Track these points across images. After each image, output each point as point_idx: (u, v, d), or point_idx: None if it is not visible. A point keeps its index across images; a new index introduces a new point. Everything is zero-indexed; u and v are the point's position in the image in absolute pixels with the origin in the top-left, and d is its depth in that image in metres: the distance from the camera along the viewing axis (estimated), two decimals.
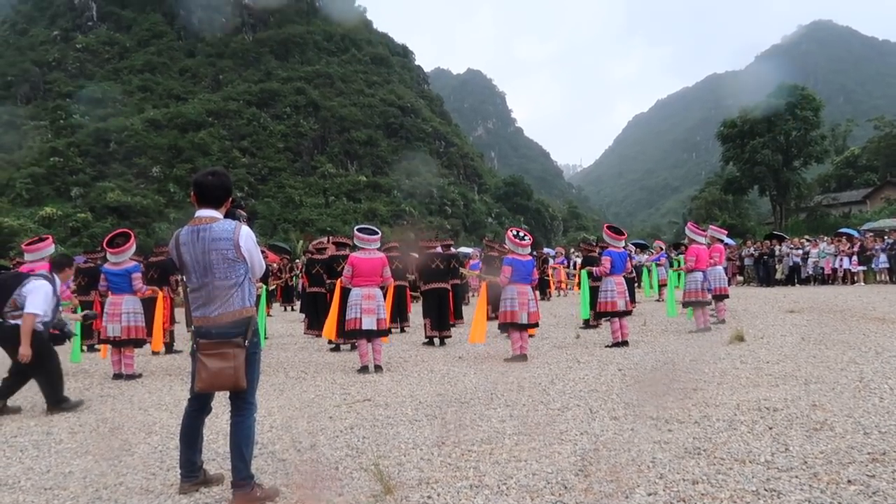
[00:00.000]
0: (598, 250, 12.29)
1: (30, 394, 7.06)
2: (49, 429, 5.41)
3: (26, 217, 50.19)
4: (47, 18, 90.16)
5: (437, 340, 10.34)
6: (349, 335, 8.17)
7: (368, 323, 7.73)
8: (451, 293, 11.07)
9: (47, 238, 8.90)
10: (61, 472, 4.22)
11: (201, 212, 3.57)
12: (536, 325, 8.60)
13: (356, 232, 8.21)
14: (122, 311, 7.98)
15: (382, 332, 7.98)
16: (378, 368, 7.85)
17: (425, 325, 10.56)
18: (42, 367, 6.02)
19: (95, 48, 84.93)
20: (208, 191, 3.57)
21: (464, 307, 14.14)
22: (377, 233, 8.24)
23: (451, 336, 10.55)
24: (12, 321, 5.94)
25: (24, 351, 5.68)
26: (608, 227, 9.77)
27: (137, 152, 66.64)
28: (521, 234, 8.65)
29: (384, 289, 8.25)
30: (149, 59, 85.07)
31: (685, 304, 10.54)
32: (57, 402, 6.13)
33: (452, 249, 12.83)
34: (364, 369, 7.75)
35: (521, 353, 8.21)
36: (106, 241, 8.37)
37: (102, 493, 3.76)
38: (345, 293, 8.26)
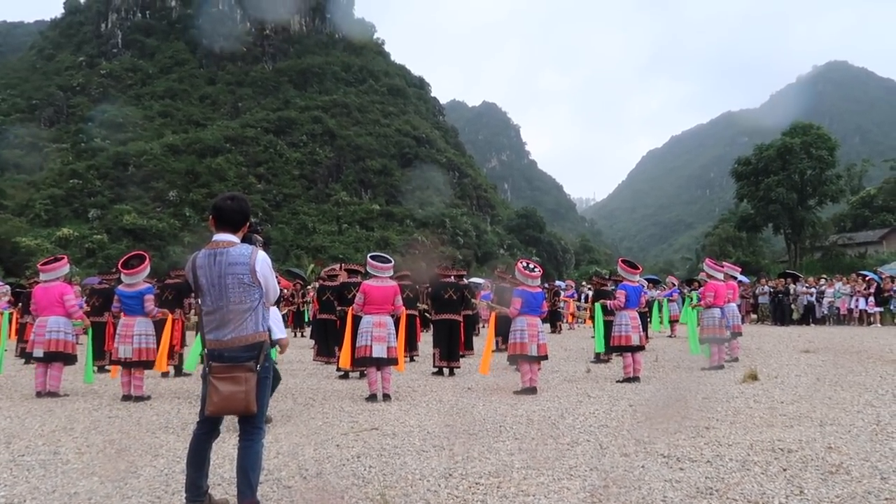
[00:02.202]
0: (610, 284, 12.23)
1: (39, 412, 7.09)
2: (56, 448, 5.40)
3: (44, 237, 50.87)
4: (74, 45, 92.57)
5: (446, 371, 10.28)
6: (359, 363, 8.12)
7: (379, 351, 7.71)
8: (461, 324, 11.03)
9: (63, 258, 9.01)
10: (67, 492, 4.20)
11: (219, 236, 3.60)
12: (545, 357, 8.52)
13: (369, 259, 8.23)
14: (135, 332, 8.02)
15: (392, 361, 7.95)
16: (386, 397, 7.80)
17: (434, 354, 10.50)
18: None
19: (119, 74, 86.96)
20: (227, 215, 3.61)
21: (474, 338, 14.07)
22: (390, 261, 8.26)
23: (460, 367, 10.48)
24: None
25: None
26: (623, 261, 9.73)
27: (155, 176, 67.70)
28: (532, 265, 8.64)
29: (396, 318, 8.23)
30: (170, 86, 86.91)
31: (702, 341, 10.44)
32: None
33: (465, 280, 12.82)
34: (373, 397, 7.70)
35: (531, 385, 8.14)
36: (121, 262, 8.44)
37: None
38: (356, 321, 8.25)
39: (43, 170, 66.53)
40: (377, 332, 7.75)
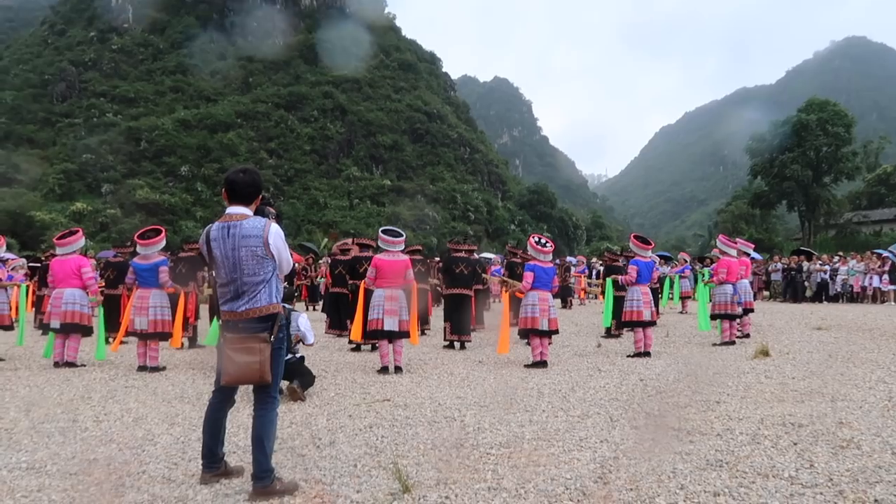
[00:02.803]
0: (622, 260, 12.19)
1: (57, 381, 7.21)
2: (75, 417, 5.50)
3: (58, 212, 51.26)
4: (85, 20, 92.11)
5: (456, 344, 10.34)
6: (371, 336, 8.18)
7: (391, 324, 7.77)
8: (472, 298, 11.05)
9: (78, 231, 9.09)
10: (86, 458, 4.29)
11: (232, 209, 3.62)
12: (556, 332, 8.55)
13: (381, 234, 8.26)
14: (150, 304, 8.13)
15: (404, 334, 8.00)
16: (398, 370, 7.87)
17: (445, 328, 10.56)
18: None
19: (130, 49, 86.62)
20: (239, 188, 3.62)
21: (485, 313, 14.11)
22: (402, 235, 8.28)
23: (471, 340, 10.54)
24: None
25: None
26: (635, 237, 9.69)
27: (167, 151, 67.81)
28: (544, 241, 8.64)
29: (408, 291, 8.27)
30: (181, 61, 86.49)
31: (713, 317, 10.42)
32: None
33: (476, 255, 12.82)
34: (384, 370, 7.78)
35: (542, 359, 8.19)
36: (137, 234, 8.53)
37: (126, 481, 3.82)
38: (368, 294, 8.30)
39: (56, 145, 66.77)
40: (389, 305, 7.80)
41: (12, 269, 10.97)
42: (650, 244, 9.63)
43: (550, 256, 8.64)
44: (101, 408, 5.89)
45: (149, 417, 5.50)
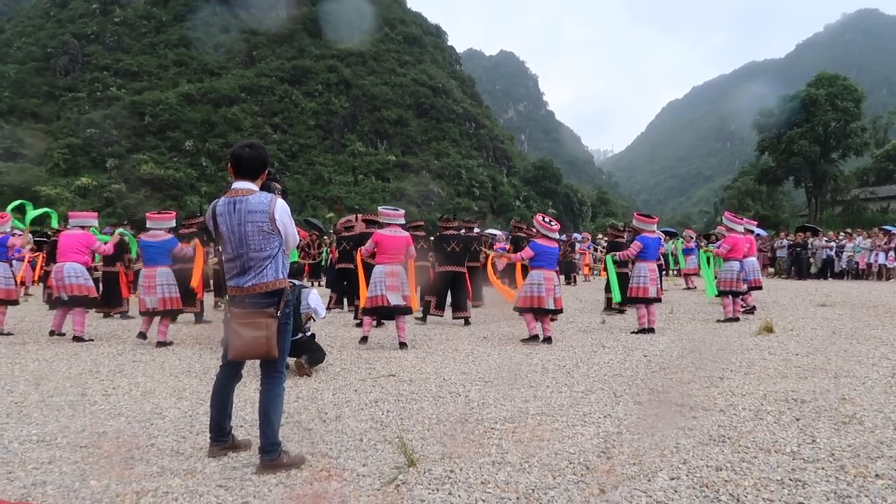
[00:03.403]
0: (625, 236, 12.14)
1: (65, 356, 7.28)
2: (84, 390, 5.56)
3: (63, 186, 51.34)
4: None
5: (455, 320, 10.41)
6: (373, 312, 8.11)
7: (395, 299, 7.80)
8: (466, 275, 11.02)
9: (94, 214, 9.48)
10: (96, 431, 4.35)
11: (238, 184, 3.62)
12: (560, 311, 8.53)
13: (381, 209, 8.37)
14: (157, 283, 8.20)
15: (407, 310, 8.03)
16: (403, 345, 7.91)
17: (429, 302, 10.59)
18: None
19: (133, 22, 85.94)
20: (245, 162, 3.61)
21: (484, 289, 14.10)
22: (400, 210, 8.38)
23: (470, 316, 10.56)
24: None
25: None
26: (639, 214, 9.67)
27: (171, 126, 67.64)
28: (549, 220, 8.63)
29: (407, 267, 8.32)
30: (184, 34, 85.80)
31: (719, 293, 10.41)
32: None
33: (476, 231, 12.80)
34: (364, 340, 8.01)
35: (546, 335, 8.20)
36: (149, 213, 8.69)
37: (135, 453, 3.87)
38: (368, 268, 8.32)
39: (60, 119, 66.63)
40: (391, 281, 7.81)
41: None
42: (654, 219, 9.59)
43: (557, 234, 8.62)
44: (109, 382, 5.95)
45: (157, 391, 5.56)
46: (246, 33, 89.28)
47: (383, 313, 8.04)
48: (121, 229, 11.50)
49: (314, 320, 6.70)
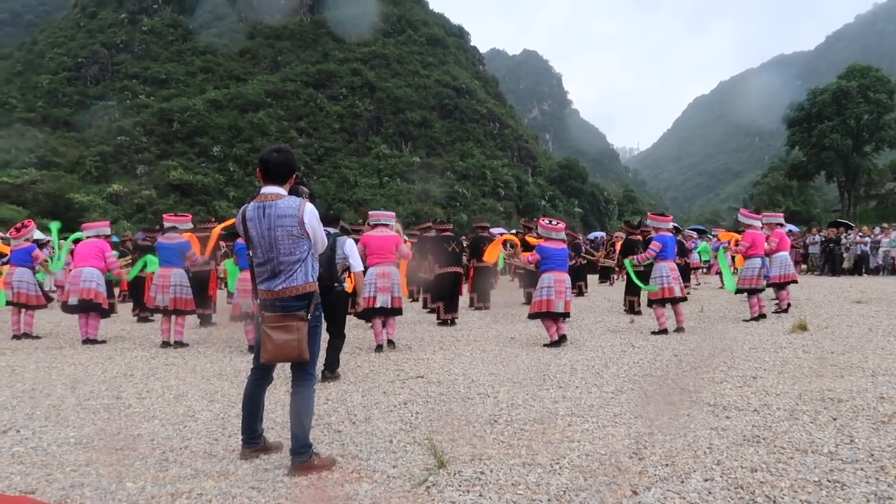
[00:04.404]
0: (639, 234, 11.91)
1: (100, 359, 7.42)
2: (118, 394, 5.67)
3: (95, 193, 52.38)
4: (115, 2, 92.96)
5: (476, 314, 10.42)
6: (363, 315, 7.99)
7: (383, 300, 7.75)
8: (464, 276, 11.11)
9: (105, 222, 9.83)
10: (131, 434, 4.43)
11: (267, 188, 3.65)
12: (567, 315, 8.28)
13: (370, 212, 8.49)
14: (171, 283, 8.44)
15: (397, 311, 7.98)
16: (391, 344, 7.95)
17: (439, 308, 10.58)
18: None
19: (160, 30, 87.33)
20: (274, 167, 3.64)
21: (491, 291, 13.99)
22: (391, 212, 8.50)
23: (457, 316, 10.63)
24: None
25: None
26: (652, 214, 9.56)
27: (199, 132, 68.60)
28: (555, 221, 8.49)
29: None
30: (210, 41, 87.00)
31: (739, 291, 10.22)
32: (335, 366, 6.33)
33: (489, 232, 13.00)
34: (378, 348, 7.88)
35: (560, 334, 8.12)
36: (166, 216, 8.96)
37: (169, 455, 3.93)
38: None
39: (91, 127, 67.99)
40: (381, 282, 7.78)
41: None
42: (668, 217, 9.46)
43: (563, 234, 8.47)
44: (143, 385, 6.05)
45: (189, 394, 5.64)
46: (271, 38, 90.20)
47: (373, 314, 7.97)
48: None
49: (350, 271, 6.19)
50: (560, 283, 8.05)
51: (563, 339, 8.06)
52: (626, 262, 10.14)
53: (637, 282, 10.04)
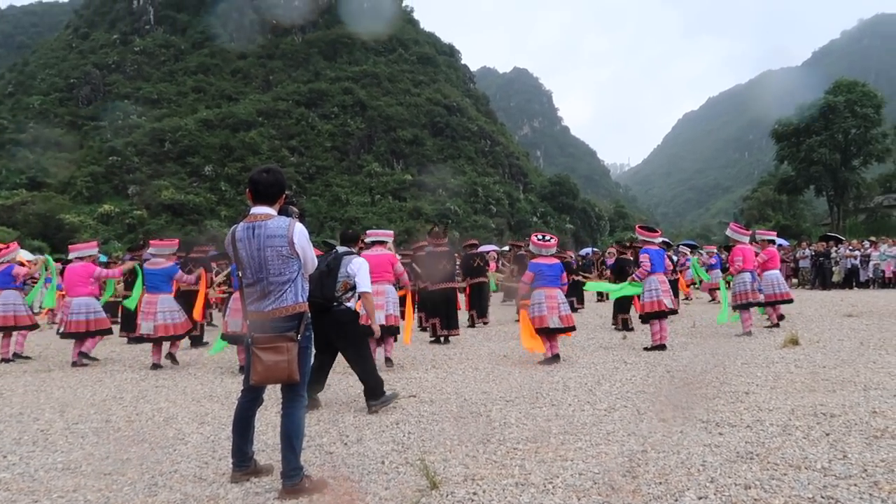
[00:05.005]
0: (630, 253, 11.96)
1: (89, 382, 7.34)
2: (108, 417, 5.61)
3: (86, 214, 52.23)
4: (107, 23, 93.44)
5: (475, 331, 10.38)
6: None
7: (377, 318, 7.71)
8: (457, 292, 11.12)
9: (93, 242, 9.78)
10: (119, 458, 4.37)
11: (256, 209, 3.64)
12: (573, 328, 8.33)
13: (367, 231, 8.48)
14: (157, 309, 8.36)
15: (391, 329, 7.94)
16: (388, 362, 7.90)
17: (434, 324, 10.55)
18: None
19: (152, 51, 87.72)
20: (263, 188, 3.64)
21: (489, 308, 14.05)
22: (389, 231, 8.51)
23: (458, 334, 10.62)
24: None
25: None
26: (640, 227, 9.55)
27: (191, 151, 68.67)
28: (547, 237, 8.48)
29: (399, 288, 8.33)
30: (202, 61, 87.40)
31: (734, 308, 10.22)
32: (377, 392, 5.64)
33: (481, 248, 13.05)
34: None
35: (554, 353, 8.09)
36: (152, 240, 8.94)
37: (158, 480, 3.88)
38: None
39: (83, 147, 67.92)
40: (376, 300, 7.74)
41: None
42: (656, 231, 9.48)
43: (553, 249, 8.49)
44: (132, 408, 5.99)
45: (179, 417, 5.58)
46: (262, 58, 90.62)
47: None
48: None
49: (355, 290, 5.69)
50: (551, 298, 8.04)
51: (556, 357, 8.04)
52: (628, 284, 9.91)
53: (632, 291, 9.96)
